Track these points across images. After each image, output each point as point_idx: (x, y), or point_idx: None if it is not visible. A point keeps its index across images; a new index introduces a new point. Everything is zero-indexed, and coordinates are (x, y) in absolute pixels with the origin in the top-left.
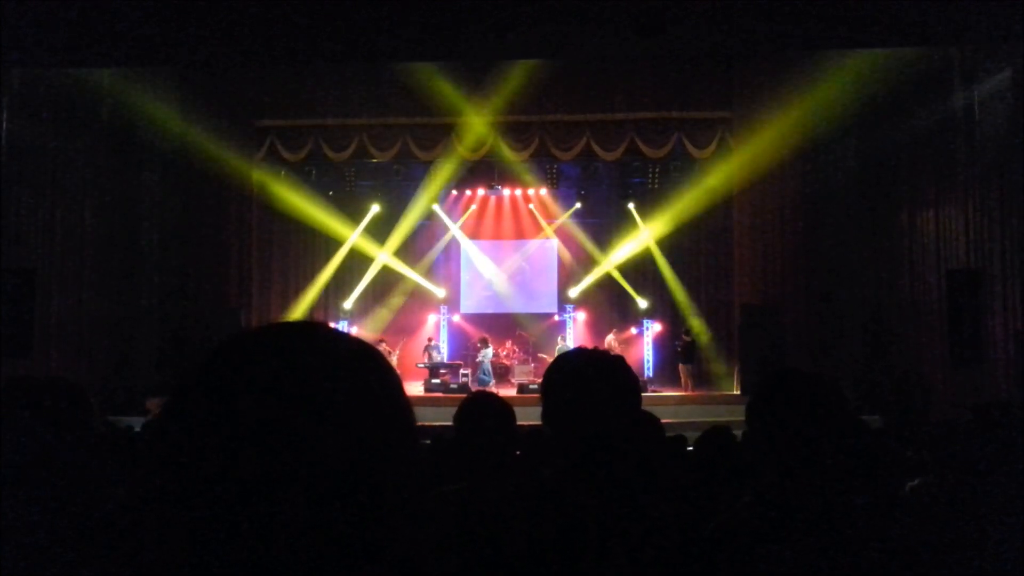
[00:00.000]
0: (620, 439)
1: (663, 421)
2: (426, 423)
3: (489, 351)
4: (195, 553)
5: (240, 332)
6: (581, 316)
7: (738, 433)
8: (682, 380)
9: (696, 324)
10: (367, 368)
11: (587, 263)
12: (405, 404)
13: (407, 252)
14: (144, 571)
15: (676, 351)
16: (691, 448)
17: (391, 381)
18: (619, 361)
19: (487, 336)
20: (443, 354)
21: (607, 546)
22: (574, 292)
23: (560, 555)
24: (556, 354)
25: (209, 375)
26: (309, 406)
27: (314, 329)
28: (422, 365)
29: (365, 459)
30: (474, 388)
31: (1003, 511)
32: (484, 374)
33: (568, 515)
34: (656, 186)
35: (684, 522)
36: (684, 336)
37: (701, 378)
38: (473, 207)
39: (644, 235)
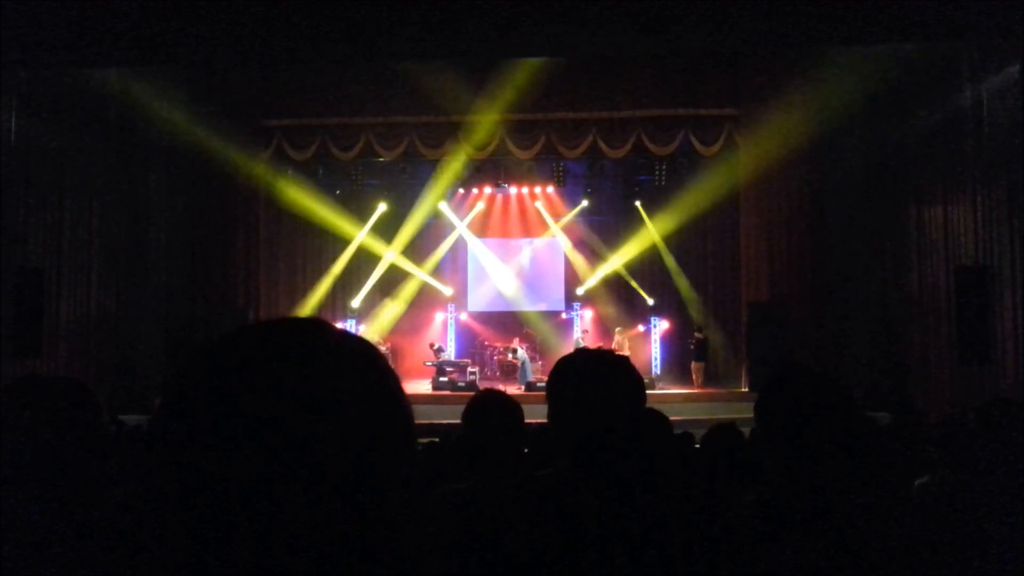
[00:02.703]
0: (624, 437)
1: (671, 419)
2: (434, 421)
3: (522, 351)
4: (195, 553)
5: (237, 328)
6: (588, 314)
7: (746, 431)
8: (694, 378)
9: (701, 321)
10: (366, 365)
11: (594, 261)
12: (404, 403)
13: (414, 250)
14: (144, 571)
15: (689, 349)
16: (697, 446)
17: (390, 379)
18: (623, 361)
19: (517, 339)
20: (448, 354)
21: (609, 545)
22: (581, 290)
23: (562, 555)
24: (574, 352)
25: (207, 372)
26: (309, 403)
27: (312, 325)
28: (430, 364)
29: (365, 458)
30: (521, 388)
31: (1008, 509)
32: (527, 372)
33: (570, 514)
34: (663, 183)
35: (688, 520)
36: (696, 334)
37: (708, 375)
38: (480, 205)
39: (651, 233)
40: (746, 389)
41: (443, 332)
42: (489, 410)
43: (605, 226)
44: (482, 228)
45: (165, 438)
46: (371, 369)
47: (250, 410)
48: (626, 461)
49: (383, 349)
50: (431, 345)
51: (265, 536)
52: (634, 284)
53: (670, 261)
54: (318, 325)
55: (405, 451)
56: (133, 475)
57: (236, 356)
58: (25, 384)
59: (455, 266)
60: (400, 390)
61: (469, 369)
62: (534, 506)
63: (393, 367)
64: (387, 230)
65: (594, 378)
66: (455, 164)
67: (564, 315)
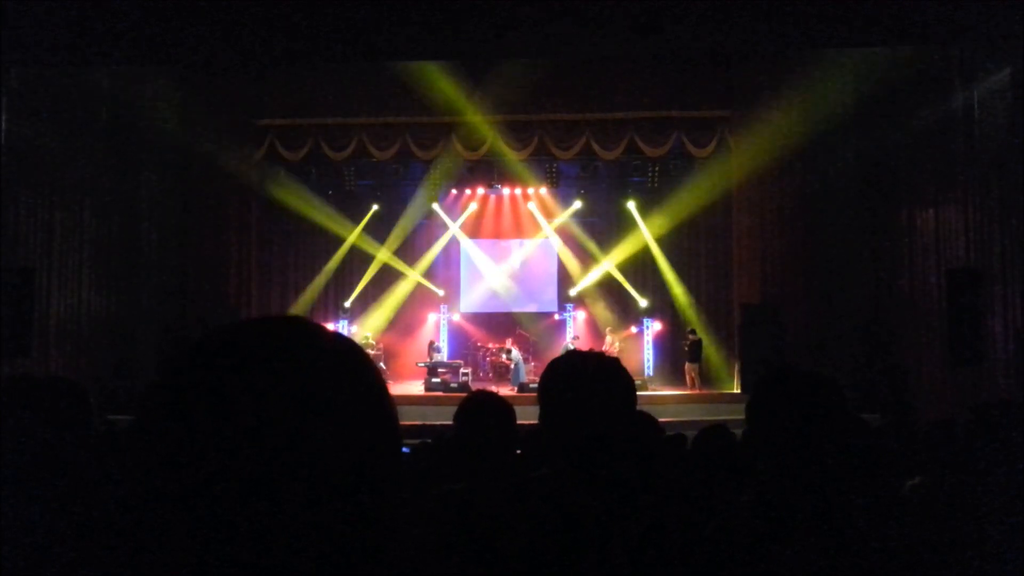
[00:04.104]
0: (617, 439)
1: (663, 420)
2: (426, 422)
3: (516, 352)
4: (195, 553)
5: (223, 328)
6: (581, 315)
7: (738, 432)
8: (688, 379)
9: (695, 322)
10: (355, 364)
11: (587, 262)
12: (391, 402)
13: (407, 251)
14: (144, 571)
15: (683, 350)
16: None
17: (378, 378)
18: (613, 362)
19: (511, 340)
20: (443, 353)
21: (605, 546)
22: (574, 291)
23: (560, 555)
24: (563, 353)
25: (200, 371)
26: (304, 402)
27: (298, 324)
28: (422, 364)
29: (361, 457)
30: (514, 389)
31: (1003, 510)
32: (520, 373)
33: (568, 515)
34: (656, 185)
35: (684, 522)
36: (690, 335)
37: (701, 377)
38: (473, 206)
39: (644, 234)
40: (738, 390)
41: (436, 333)
42: (481, 411)
43: (598, 227)
44: (475, 229)
45: (162, 437)
46: (359, 368)
47: (247, 409)
48: (619, 462)
49: (376, 350)
50: (430, 343)
51: (265, 536)
52: (627, 285)
53: (663, 262)
54: (303, 323)
55: (395, 450)
56: (128, 474)
57: (229, 355)
58: (17, 383)
59: (448, 267)
60: (386, 389)
61: (462, 370)
62: (529, 507)
63: (386, 368)
64: (380, 230)
65: (584, 380)
66: (448, 165)
67: (557, 316)
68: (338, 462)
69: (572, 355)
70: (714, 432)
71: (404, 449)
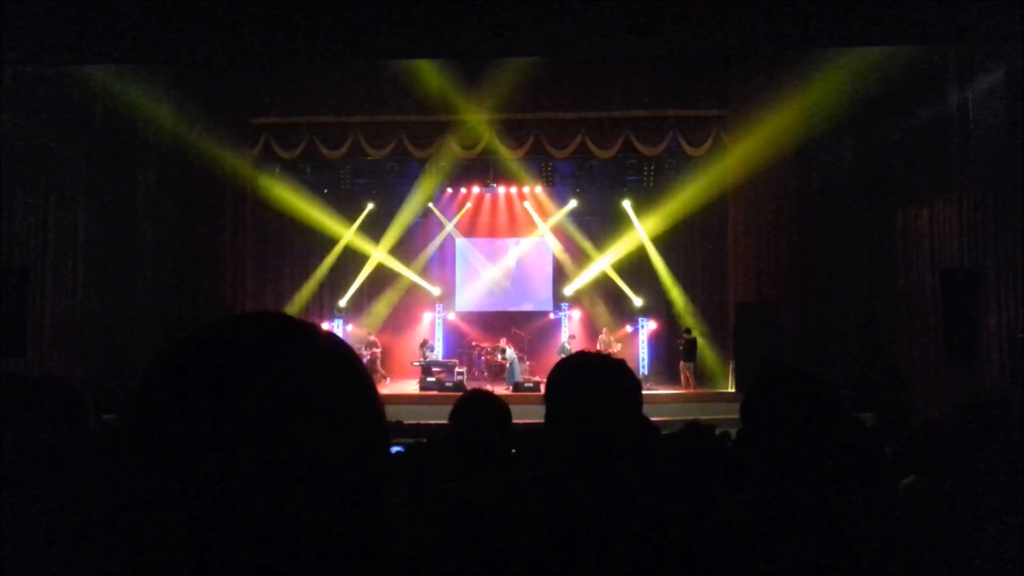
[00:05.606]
0: (622, 440)
1: (658, 419)
2: (421, 421)
3: (510, 351)
4: (195, 553)
5: (212, 324)
6: (576, 314)
7: (733, 432)
8: (683, 379)
9: (690, 321)
10: (345, 362)
11: (582, 261)
12: (380, 400)
13: (402, 250)
14: (144, 571)
15: (678, 349)
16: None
17: (367, 377)
18: (620, 364)
19: (505, 339)
20: (437, 352)
21: (605, 545)
22: (569, 290)
23: (557, 554)
24: (559, 352)
25: (188, 368)
26: (298, 400)
27: (285, 320)
28: (417, 363)
29: (356, 456)
30: (509, 388)
31: (999, 510)
32: (515, 372)
33: (567, 514)
34: (651, 184)
35: (683, 521)
36: (685, 334)
37: (696, 376)
38: (468, 205)
39: (639, 233)
40: (733, 389)
41: (431, 332)
42: (476, 410)
43: (593, 226)
44: (470, 228)
45: (153, 434)
46: (348, 365)
47: (238, 406)
48: (620, 463)
49: (374, 350)
50: (423, 342)
51: (262, 535)
52: (622, 284)
53: (658, 262)
54: (288, 319)
55: (386, 449)
56: (122, 473)
57: (218, 352)
58: (10, 382)
59: (443, 266)
60: (375, 387)
61: (457, 369)
62: (526, 507)
63: (382, 369)
64: (375, 229)
65: (593, 381)
66: (444, 163)
67: (552, 315)
68: (333, 460)
69: (581, 355)
70: (693, 431)
71: (399, 448)
